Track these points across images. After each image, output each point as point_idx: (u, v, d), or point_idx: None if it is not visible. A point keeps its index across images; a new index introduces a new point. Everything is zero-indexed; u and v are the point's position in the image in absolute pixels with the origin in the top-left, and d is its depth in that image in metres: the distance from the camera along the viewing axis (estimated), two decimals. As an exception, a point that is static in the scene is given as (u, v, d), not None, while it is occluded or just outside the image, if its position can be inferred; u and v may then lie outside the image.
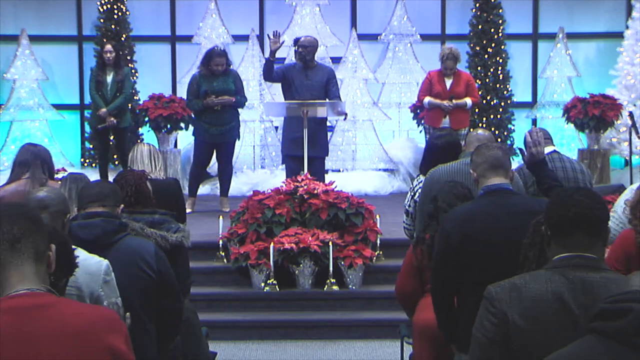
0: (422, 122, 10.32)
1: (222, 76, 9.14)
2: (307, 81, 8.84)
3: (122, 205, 4.04)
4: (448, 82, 9.79)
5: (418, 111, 11.03)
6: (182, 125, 10.90)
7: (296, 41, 9.24)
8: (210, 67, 9.09)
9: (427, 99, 9.75)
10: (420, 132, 11.11)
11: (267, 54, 11.65)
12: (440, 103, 9.61)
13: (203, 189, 10.65)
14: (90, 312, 2.40)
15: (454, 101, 9.61)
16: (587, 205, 2.80)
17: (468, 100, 9.64)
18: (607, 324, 2.15)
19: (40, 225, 2.39)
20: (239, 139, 9.57)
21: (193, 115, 9.83)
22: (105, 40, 11.12)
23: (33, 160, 5.31)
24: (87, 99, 11.93)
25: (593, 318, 2.21)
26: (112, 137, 10.18)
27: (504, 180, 4.04)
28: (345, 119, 9.88)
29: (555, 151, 5.60)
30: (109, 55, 9.83)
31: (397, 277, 4.83)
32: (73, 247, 3.41)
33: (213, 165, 10.29)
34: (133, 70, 11.67)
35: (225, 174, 9.54)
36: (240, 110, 9.55)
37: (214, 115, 9.13)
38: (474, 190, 4.73)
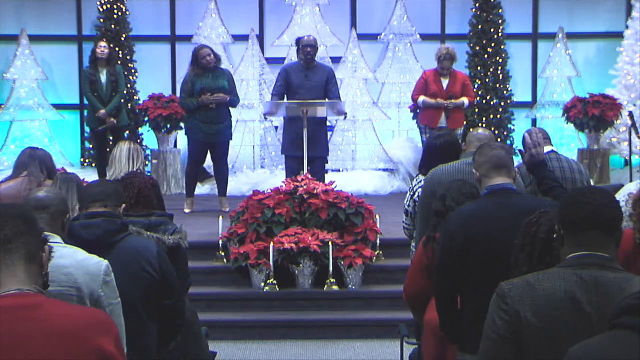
0: (417, 121, 10.31)
1: (215, 74, 9.14)
2: (307, 81, 8.84)
3: (124, 205, 4.04)
4: (445, 82, 9.83)
5: (418, 111, 11.04)
6: (182, 125, 10.90)
7: (298, 41, 9.25)
8: (200, 63, 9.08)
9: (421, 98, 9.80)
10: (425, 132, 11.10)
11: (267, 54, 11.71)
12: (436, 102, 9.66)
13: (203, 189, 10.66)
14: (79, 314, 2.39)
15: (452, 101, 9.66)
16: (602, 204, 2.81)
17: (465, 100, 9.80)
18: (636, 318, 2.17)
19: (33, 225, 2.39)
20: (231, 139, 9.55)
21: (185, 114, 9.81)
22: (105, 40, 11.16)
23: (31, 162, 5.37)
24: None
25: (618, 314, 2.23)
26: (111, 137, 10.18)
27: (508, 180, 4.04)
28: (345, 118, 9.87)
29: (553, 151, 5.59)
30: (103, 49, 9.83)
31: (406, 277, 4.79)
32: (74, 246, 3.42)
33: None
34: (133, 70, 11.69)
35: (222, 175, 9.52)
36: (238, 110, 9.54)
37: (208, 113, 9.12)
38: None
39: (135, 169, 5.76)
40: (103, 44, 10.00)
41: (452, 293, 4.00)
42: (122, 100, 10.21)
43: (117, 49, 11.22)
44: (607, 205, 2.82)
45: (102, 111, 9.73)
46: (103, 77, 9.84)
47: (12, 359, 2.22)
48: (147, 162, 10.45)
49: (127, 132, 10.63)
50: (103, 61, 9.86)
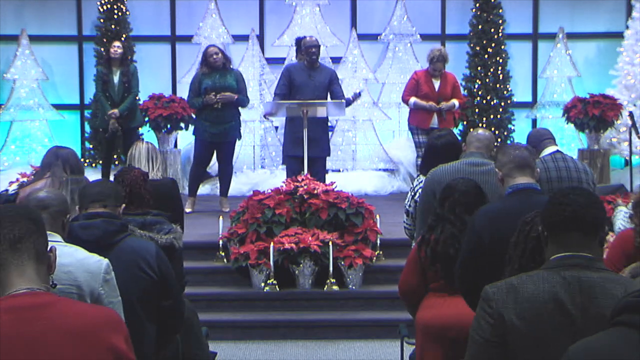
0: (408, 122, 10.27)
1: (224, 73, 9.14)
2: (310, 81, 8.84)
3: (123, 205, 4.04)
4: (436, 84, 9.83)
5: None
6: (182, 125, 10.90)
7: (299, 41, 9.19)
8: (208, 62, 9.10)
9: (412, 99, 9.79)
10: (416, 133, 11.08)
11: (267, 54, 11.71)
12: (425, 104, 9.66)
13: (203, 189, 10.65)
14: (91, 312, 2.41)
15: (443, 104, 9.65)
16: (583, 204, 2.81)
17: (456, 102, 9.80)
18: (637, 316, 2.18)
19: (41, 226, 2.41)
20: (239, 139, 9.54)
21: (194, 115, 9.84)
22: (105, 40, 11.18)
23: (54, 161, 5.38)
24: (87, 99, 11.96)
25: (618, 311, 2.23)
26: (120, 137, 10.14)
27: (531, 179, 4.09)
28: (359, 94, 9.52)
29: (558, 151, 5.61)
30: (116, 49, 9.84)
31: (401, 274, 4.83)
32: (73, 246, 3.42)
33: (213, 165, 10.29)
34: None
35: (225, 174, 9.53)
36: (240, 110, 9.54)
37: (214, 113, 9.11)
38: (490, 190, 4.74)
39: (155, 169, 5.79)
40: (117, 43, 10.01)
41: (478, 290, 4.00)
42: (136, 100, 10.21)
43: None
44: (588, 205, 2.82)
45: (115, 111, 9.72)
46: (115, 77, 9.85)
47: (25, 358, 2.23)
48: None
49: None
50: (116, 61, 9.87)
